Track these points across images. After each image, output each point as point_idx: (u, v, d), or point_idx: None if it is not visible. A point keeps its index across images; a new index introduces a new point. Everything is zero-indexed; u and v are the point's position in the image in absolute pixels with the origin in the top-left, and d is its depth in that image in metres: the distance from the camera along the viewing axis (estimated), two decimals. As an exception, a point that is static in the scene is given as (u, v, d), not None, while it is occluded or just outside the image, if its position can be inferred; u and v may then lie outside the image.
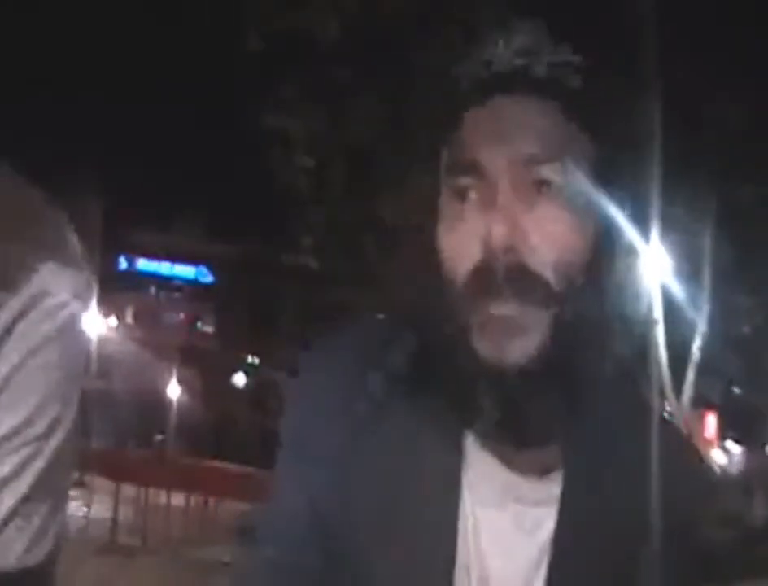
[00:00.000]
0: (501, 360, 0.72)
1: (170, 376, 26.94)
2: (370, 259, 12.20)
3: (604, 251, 0.75)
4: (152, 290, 38.55)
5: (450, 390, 0.76)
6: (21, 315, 0.85)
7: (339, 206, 11.85)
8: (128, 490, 11.04)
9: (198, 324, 37.86)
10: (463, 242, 0.75)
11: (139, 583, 7.67)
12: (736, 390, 17.08)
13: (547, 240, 0.73)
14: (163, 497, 11.47)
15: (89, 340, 0.94)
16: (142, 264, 39.04)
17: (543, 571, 0.76)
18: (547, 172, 0.74)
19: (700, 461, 0.84)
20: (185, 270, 39.00)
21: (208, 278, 38.53)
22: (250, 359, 33.94)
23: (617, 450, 0.78)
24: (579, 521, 0.76)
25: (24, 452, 0.84)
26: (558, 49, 0.76)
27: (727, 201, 10.55)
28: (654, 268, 9.93)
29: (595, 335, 0.75)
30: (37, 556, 0.85)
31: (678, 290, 10.18)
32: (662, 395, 11.35)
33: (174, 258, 38.12)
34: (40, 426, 0.85)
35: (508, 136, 0.74)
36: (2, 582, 0.82)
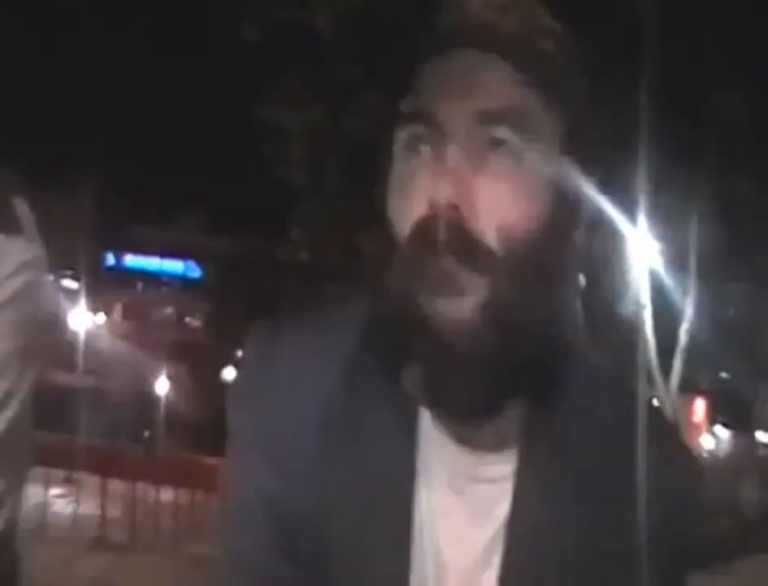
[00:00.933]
0: (435, 313, 0.70)
1: (159, 372, 26.89)
2: (364, 254, 12.19)
3: (555, 222, 0.72)
4: (140, 285, 38.48)
5: (399, 357, 0.73)
6: None
7: (334, 201, 11.83)
8: (117, 485, 11.03)
9: (187, 319, 37.81)
10: (411, 197, 0.72)
11: (129, 579, 7.64)
12: (724, 374, 17.16)
13: (493, 202, 0.70)
14: (152, 493, 11.45)
15: (46, 311, 0.91)
16: (130, 260, 38.95)
17: (499, 552, 0.74)
18: (502, 131, 0.71)
19: (674, 438, 0.81)
20: (173, 265, 38.92)
21: (197, 273, 38.47)
22: (240, 353, 33.88)
23: (575, 427, 0.75)
24: (533, 499, 0.74)
25: None
26: (532, 8, 0.73)
27: (715, 185, 10.57)
28: (643, 253, 9.95)
29: (547, 309, 0.72)
30: None
31: (666, 275, 10.20)
32: (650, 379, 11.41)
33: (163, 253, 38.04)
34: None
35: (465, 89, 0.71)
36: None
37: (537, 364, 0.73)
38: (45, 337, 0.91)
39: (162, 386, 26.77)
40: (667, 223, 10.00)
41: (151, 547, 9.15)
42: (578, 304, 0.76)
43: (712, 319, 12.03)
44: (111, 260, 38.36)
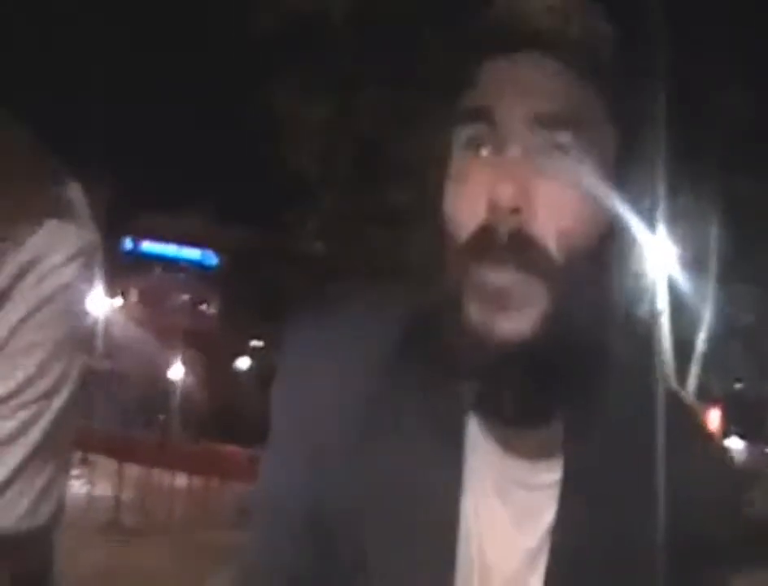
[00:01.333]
0: (493, 332, 0.68)
1: (174, 358, 26.95)
2: (377, 246, 12.17)
3: (612, 230, 0.72)
4: (157, 271, 38.50)
5: (447, 365, 0.72)
6: (26, 270, 0.83)
7: (348, 193, 11.81)
8: (132, 470, 11.07)
9: (203, 306, 37.83)
10: (469, 199, 0.70)
11: (141, 562, 7.71)
12: (740, 384, 17.03)
13: (554, 207, 0.69)
14: (166, 478, 11.50)
15: (93, 301, 0.91)
16: (147, 245, 38.99)
17: (544, 558, 0.74)
18: (564, 136, 0.70)
19: (715, 453, 0.81)
20: (190, 252, 38.92)
21: (214, 261, 38.47)
22: (254, 343, 33.92)
23: (618, 434, 0.75)
24: (579, 506, 0.74)
25: (28, 410, 0.82)
26: (592, 15, 0.72)
27: (734, 192, 10.48)
28: (659, 258, 9.88)
29: (597, 317, 0.72)
30: (40, 518, 0.83)
31: (684, 282, 10.13)
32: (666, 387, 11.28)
33: (180, 240, 38.04)
34: (44, 385, 0.83)
35: (530, 91, 0.70)
36: (3, 543, 0.81)
37: (586, 371, 0.72)
38: (93, 324, 0.92)
39: (176, 372, 26.82)
40: (686, 227, 9.93)
41: (164, 531, 9.20)
42: (620, 310, 0.76)
43: (729, 327, 11.95)
44: (128, 244, 38.41)
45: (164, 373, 26.66)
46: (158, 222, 37.16)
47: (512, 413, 0.72)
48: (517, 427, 0.74)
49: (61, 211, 0.86)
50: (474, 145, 0.71)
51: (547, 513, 0.74)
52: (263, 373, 29.99)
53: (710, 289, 10.80)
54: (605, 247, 0.72)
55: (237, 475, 11.23)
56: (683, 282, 10.22)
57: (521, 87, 0.71)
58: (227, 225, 35.20)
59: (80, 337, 0.87)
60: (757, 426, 19.12)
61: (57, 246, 0.85)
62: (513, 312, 0.68)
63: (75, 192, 0.89)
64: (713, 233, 10.56)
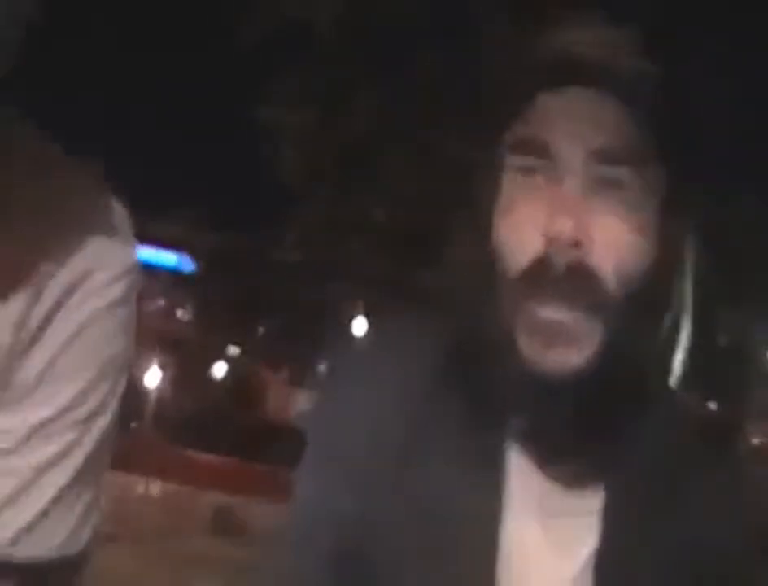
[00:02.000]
0: (546, 367, 0.69)
1: (149, 364, 26.74)
2: (355, 255, 12.17)
3: (669, 266, 0.74)
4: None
5: (492, 394, 0.73)
6: (69, 292, 0.81)
7: (328, 202, 11.80)
8: (105, 476, 10.91)
9: (179, 312, 37.60)
10: (523, 228, 0.71)
11: (115, 570, 7.63)
12: (712, 404, 17.21)
13: (610, 241, 0.70)
14: (140, 485, 11.40)
15: (138, 316, 0.90)
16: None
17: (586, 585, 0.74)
18: (621, 172, 0.71)
19: (746, 482, 0.82)
20: (167, 258, 38.67)
21: (190, 267, 38.25)
22: (230, 349, 33.73)
23: (658, 461, 0.76)
24: (620, 534, 0.74)
25: (70, 435, 0.81)
26: (640, 53, 0.73)
27: (708, 215, 10.57)
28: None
29: (646, 351, 0.74)
30: (78, 545, 0.81)
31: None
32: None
33: (157, 245, 37.81)
34: (86, 409, 0.81)
35: (586, 127, 0.71)
36: (41, 571, 0.79)
37: (631, 403, 0.74)
38: (134, 343, 0.90)
39: (151, 378, 26.61)
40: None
41: (138, 538, 9.12)
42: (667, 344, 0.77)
43: (704, 348, 12.03)
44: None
45: (139, 379, 26.43)
46: (134, 227, 36.86)
47: (557, 446, 0.73)
48: (561, 459, 0.74)
49: (108, 229, 0.85)
50: (529, 175, 0.72)
51: (588, 542, 0.75)
52: (238, 379, 29.82)
53: (689, 309, 10.87)
54: (656, 282, 0.73)
55: (212, 483, 11.15)
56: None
57: (577, 122, 0.71)
58: (205, 231, 35.02)
59: (124, 358, 0.86)
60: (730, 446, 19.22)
61: (104, 264, 0.83)
62: (566, 347, 0.69)
63: (120, 210, 0.88)
64: (692, 254, 10.65)
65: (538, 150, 0.72)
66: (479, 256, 0.73)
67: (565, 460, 0.75)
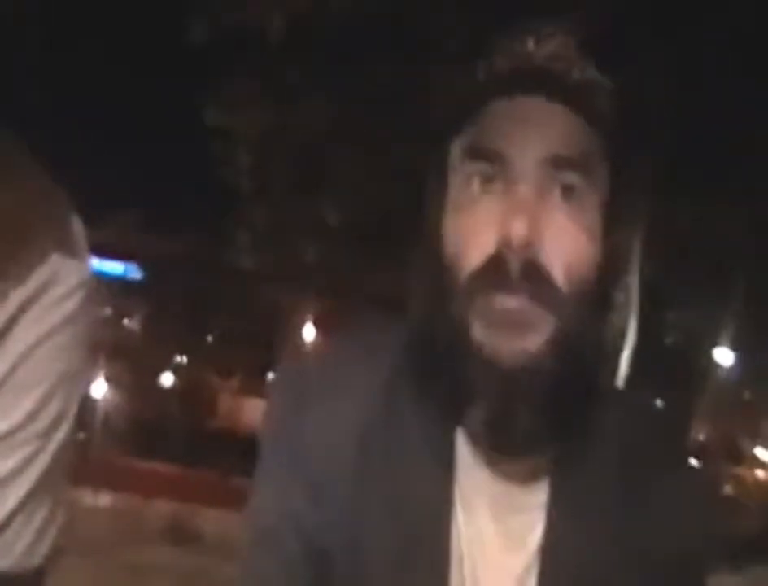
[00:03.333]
0: (501, 355, 0.72)
1: (96, 374, 26.34)
2: (306, 258, 12.15)
3: (614, 265, 0.77)
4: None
5: (448, 389, 0.75)
6: (28, 304, 0.82)
7: (278, 205, 11.76)
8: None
9: (126, 320, 37.14)
10: (476, 230, 0.74)
11: (64, 583, 7.49)
12: (659, 402, 17.55)
13: (562, 244, 0.74)
14: (89, 497, 11.23)
15: (94, 330, 0.91)
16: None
17: (533, 578, 0.77)
18: (572, 177, 0.75)
19: (699, 477, 0.86)
20: (113, 266, 38.19)
21: (137, 274, 37.80)
22: (178, 358, 33.42)
23: (603, 455, 0.79)
24: (565, 527, 0.77)
25: (28, 448, 0.82)
26: (589, 63, 0.78)
27: (661, 217, 10.83)
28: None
29: (596, 346, 0.77)
30: (37, 557, 0.83)
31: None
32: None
33: (102, 254, 37.32)
34: (44, 421, 0.83)
35: (537, 134, 0.75)
36: (0, 583, 0.80)
37: (580, 398, 0.76)
38: (92, 354, 0.91)
39: (98, 388, 26.23)
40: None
41: (88, 550, 8.97)
42: (614, 341, 0.80)
43: (651, 347, 12.28)
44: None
45: (86, 389, 25.99)
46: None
47: (510, 437, 0.75)
48: (513, 451, 0.77)
49: (64, 242, 0.85)
50: (482, 181, 0.76)
51: (535, 534, 0.78)
52: (187, 388, 29.54)
53: (636, 309, 11.10)
54: (608, 281, 0.77)
55: (163, 492, 11.03)
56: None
57: (528, 130, 0.75)
58: (152, 237, 34.65)
59: (80, 371, 0.87)
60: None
61: (60, 278, 0.85)
62: (520, 334, 0.73)
63: (76, 221, 0.89)
64: (636, 255, 10.88)
65: (492, 157, 0.75)
66: (431, 256, 0.76)
67: (516, 452, 0.77)
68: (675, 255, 11.51)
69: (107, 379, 26.35)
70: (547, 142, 0.75)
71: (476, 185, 0.76)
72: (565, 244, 0.75)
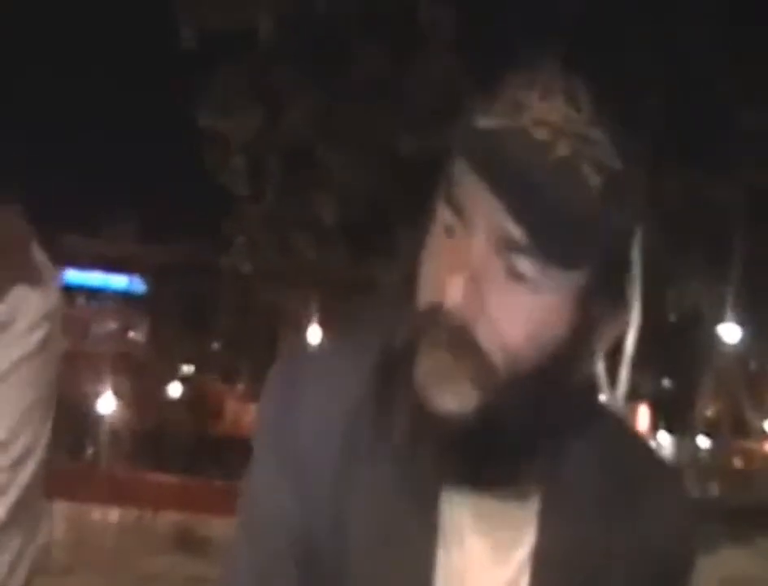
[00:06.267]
0: (430, 400, 0.70)
1: (103, 388, 26.40)
2: (305, 259, 12.13)
3: (578, 345, 0.71)
4: (83, 300, 37.73)
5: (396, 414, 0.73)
6: None
7: (274, 207, 11.75)
8: (61, 505, 10.77)
9: (131, 333, 37.23)
10: (434, 275, 0.71)
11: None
12: (666, 382, 17.51)
13: (503, 323, 0.69)
14: (98, 512, 11.22)
15: (58, 361, 0.90)
16: (72, 275, 38.18)
17: None
18: (523, 264, 0.68)
19: (678, 490, 0.83)
20: (117, 280, 38.27)
21: (141, 287, 37.90)
22: (185, 368, 33.49)
23: (589, 469, 0.77)
24: (553, 541, 0.75)
25: (0, 477, 0.82)
26: (587, 136, 0.68)
27: (655, 193, 10.79)
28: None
29: (534, 417, 0.72)
30: (13, 584, 0.83)
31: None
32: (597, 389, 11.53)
33: (106, 267, 37.37)
34: (13, 453, 0.83)
35: (494, 213, 0.68)
36: None
37: (547, 433, 0.73)
38: (58, 386, 0.90)
39: (106, 403, 26.27)
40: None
41: (98, 565, 8.96)
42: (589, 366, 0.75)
43: (655, 326, 12.24)
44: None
45: (93, 404, 26.07)
46: (82, 248, 36.39)
47: (468, 481, 0.73)
48: (483, 482, 0.73)
49: (27, 275, 0.85)
50: (449, 229, 0.71)
51: (523, 547, 0.76)
52: (194, 397, 29.59)
53: (636, 289, 11.07)
54: (565, 364, 0.71)
55: (172, 503, 11.01)
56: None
57: (487, 204, 0.68)
58: (150, 246, 34.65)
59: (46, 403, 0.87)
60: (685, 421, 19.68)
61: (23, 312, 0.84)
62: (449, 390, 0.70)
63: (39, 254, 0.87)
64: (638, 233, 10.84)
65: (457, 209, 0.70)
66: (407, 285, 0.74)
67: (495, 486, 0.74)
68: (673, 230, 11.47)
69: (115, 393, 26.39)
70: (505, 220, 0.67)
71: (441, 229, 0.72)
72: (507, 325, 0.69)
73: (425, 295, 0.71)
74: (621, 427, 0.83)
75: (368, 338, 0.80)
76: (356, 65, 10.14)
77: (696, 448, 21.48)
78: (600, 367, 10.89)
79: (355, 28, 10.03)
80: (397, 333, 0.73)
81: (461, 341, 0.69)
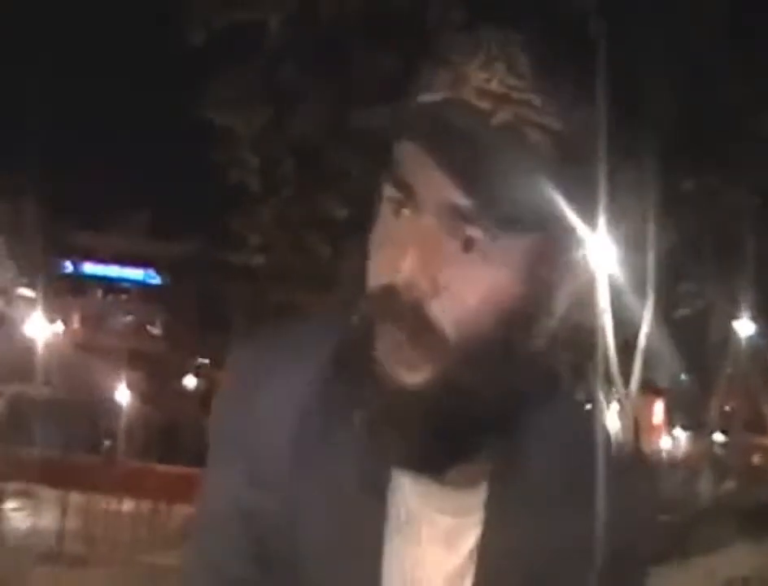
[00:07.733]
0: (390, 376, 0.70)
1: (118, 381, 26.53)
2: (318, 256, 12.14)
3: (519, 316, 0.70)
4: (99, 293, 37.89)
5: (356, 400, 0.73)
6: None
7: (287, 203, 11.76)
8: (77, 497, 10.85)
9: (147, 326, 37.36)
10: (384, 256, 0.71)
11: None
12: (683, 376, 17.38)
13: (456, 297, 0.68)
14: (113, 504, 11.29)
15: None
16: (88, 267, 38.35)
17: (470, 576, 0.75)
18: (475, 231, 0.68)
19: (641, 476, 0.82)
20: (132, 272, 38.42)
21: (156, 280, 38.03)
22: (200, 360, 33.58)
23: (540, 457, 0.76)
24: (502, 528, 0.75)
25: None
26: (528, 101, 0.68)
27: (669, 189, 10.73)
28: (600, 255, 10.06)
29: (501, 379, 0.71)
30: None
31: (624, 278, 10.31)
32: (611, 383, 11.50)
33: (121, 260, 37.53)
34: None
35: (445, 179, 0.67)
36: None
37: (498, 416, 0.72)
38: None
39: (121, 395, 26.40)
40: (625, 225, 10.13)
41: (110, 558, 9.02)
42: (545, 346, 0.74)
43: (670, 320, 12.18)
44: (68, 267, 37.69)
45: (109, 397, 26.20)
46: (97, 242, 36.55)
47: (414, 462, 0.73)
48: (436, 467, 0.73)
49: None
50: (396, 207, 0.70)
51: (471, 534, 0.75)
52: (208, 391, 29.69)
53: (652, 283, 11.02)
54: (519, 331, 0.71)
55: (186, 497, 11.06)
56: (625, 278, 10.41)
57: (434, 175, 0.68)
58: (167, 241, 34.74)
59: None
60: (701, 416, 19.53)
61: None
62: (408, 365, 0.69)
63: None
64: (652, 230, 10.78)
65: (404, 189, 0.70)
66: (359, 271, 0.74)
67: (443, 467, 0.74)
68: (686, 229, 11.39)
69: (129, 386, 26.51)
70: (452, 190, 0.67)
71: (389, 208, 0.71)
72: (460, 297, 0.68)
73: (377, 277, 0.71)
74: (581, 414, 0.81)
75: (323, 325, 0.79)
76: (366, 63, 10.12)
77: (712, 444, 21.35)
78: (613, 361, 10.84)
79: (362, 27, 10.02)
80: (353, 316, 0.72)
81: (414, 318, 0.68)
